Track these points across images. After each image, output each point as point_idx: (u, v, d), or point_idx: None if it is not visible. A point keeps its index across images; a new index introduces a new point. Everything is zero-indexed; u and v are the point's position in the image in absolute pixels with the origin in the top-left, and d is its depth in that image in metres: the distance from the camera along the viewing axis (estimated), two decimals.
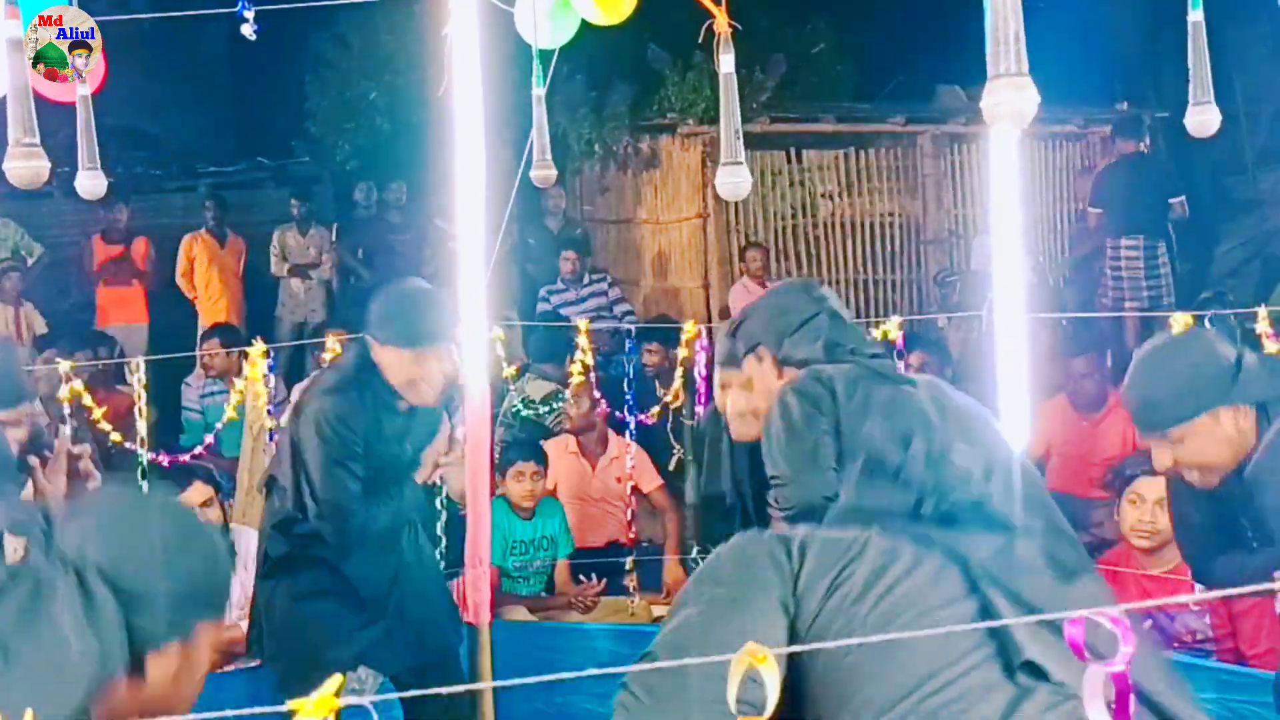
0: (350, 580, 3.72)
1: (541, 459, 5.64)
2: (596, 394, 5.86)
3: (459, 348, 3.68)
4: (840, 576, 1.56)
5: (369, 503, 3.68)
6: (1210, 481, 2.84)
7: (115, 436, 4.89)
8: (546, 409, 6.95)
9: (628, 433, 5.62)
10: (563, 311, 9.05)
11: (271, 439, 5.41)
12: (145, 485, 4.79)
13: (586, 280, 9.48)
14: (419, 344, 3.62)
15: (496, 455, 5.59)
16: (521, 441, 5.95)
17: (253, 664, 4.54)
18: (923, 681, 1.48)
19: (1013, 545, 1.73)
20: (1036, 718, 1.47)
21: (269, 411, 5.33)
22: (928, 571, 1.58)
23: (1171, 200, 9.35)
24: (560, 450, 6.03)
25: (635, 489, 5.77)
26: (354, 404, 3.65)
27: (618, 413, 5.79)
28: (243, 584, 4.67)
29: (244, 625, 4.56)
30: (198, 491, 4.70)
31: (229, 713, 1.22)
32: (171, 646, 1.58)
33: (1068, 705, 1.44)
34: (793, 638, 1.53)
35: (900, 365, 5.41)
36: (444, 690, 1.47)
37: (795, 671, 1.53)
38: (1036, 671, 1.49)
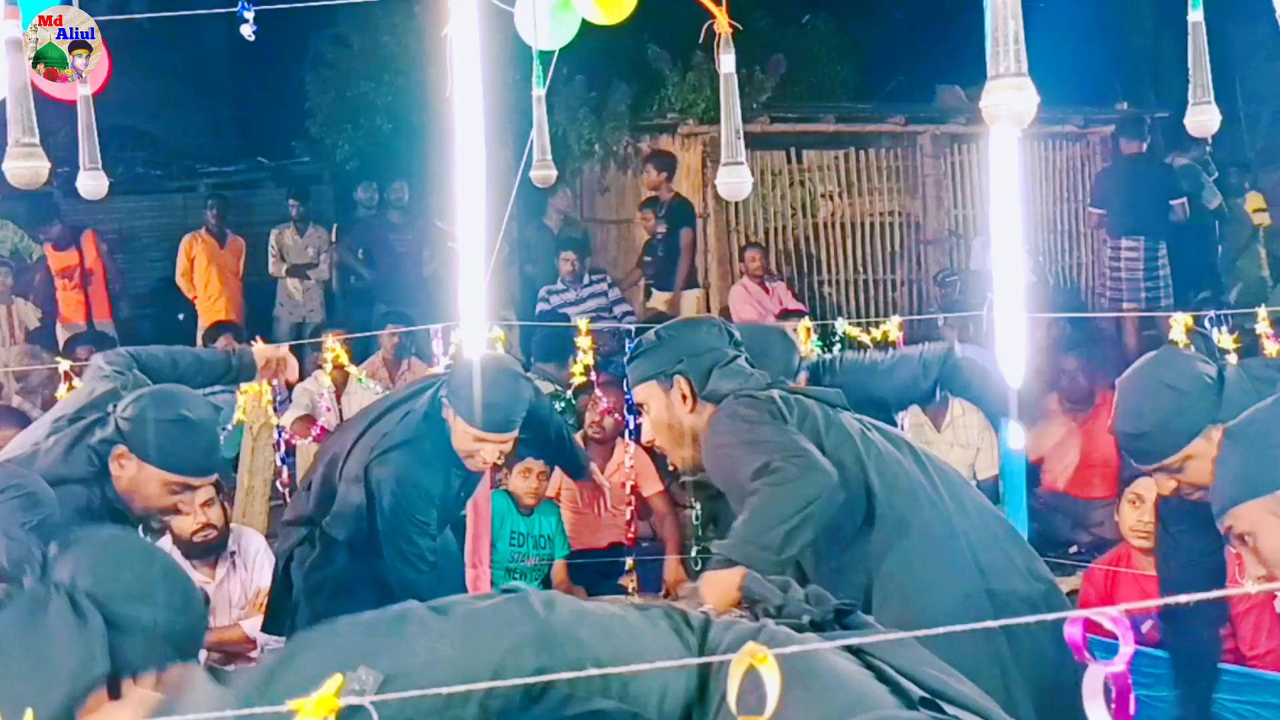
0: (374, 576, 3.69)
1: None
2: (604, 401, 5.87)
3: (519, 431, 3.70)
4: None
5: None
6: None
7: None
8: None
9: (628, 434, 5.62)
10: (562, 311, 9.05)
11: (279, 439, 5.41)
12: None
13: (586, 280, 9.47)
14: (489, 430, 3.57)
15: None
16: (530, 440, 5.93)
17: (253, 662, 4.54)
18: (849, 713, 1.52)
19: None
20: None
21: (274, 409, 5.33)
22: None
23: (1172, 202, 9.34)
24: None
25: (635, 492, 5.77)
26: (427, 461, 3.60)
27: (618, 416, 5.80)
28: (243, 584, 4.68)
29: (247, 624, 4.56)
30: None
31: (229, 713, 1.22)
32: (147, 677, 1.74)
33: None
34: None
35: None
36: (445, 690, 1.47)
37: None
38: (934, 707, 1.56)
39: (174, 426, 3.04)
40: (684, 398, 2.90)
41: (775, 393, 2.86)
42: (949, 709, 1.54)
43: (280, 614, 3.95)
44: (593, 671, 1.43)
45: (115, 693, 1.72)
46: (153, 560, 1.84)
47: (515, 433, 3.66)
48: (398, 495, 3.56)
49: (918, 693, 1.55)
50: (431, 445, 3.61)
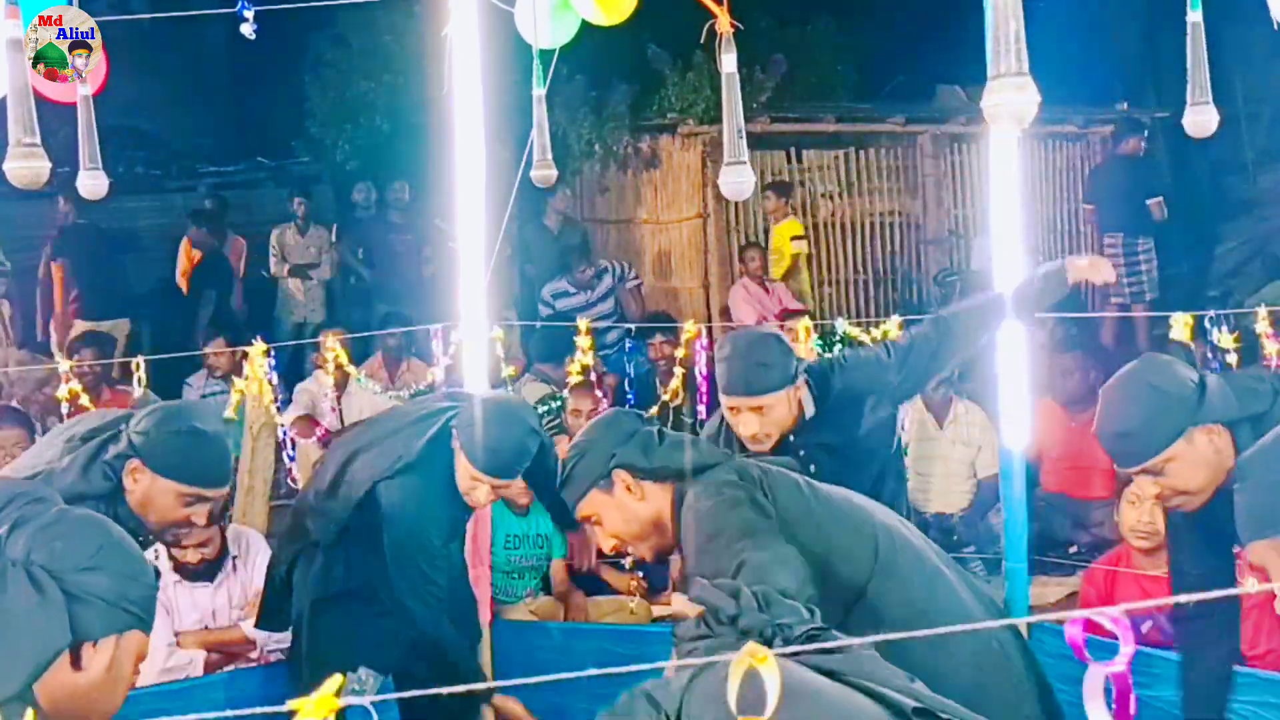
0: (382, 581, 3.68)
1: None
2: (600, 396, 5.86)
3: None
4: None
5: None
6: (1194, 504, 2.81)
7: None
8: (543, 412, 6.95)
9: None
10: (567, 312, 9.01)
11: (285, 438, 5.41)
12: None
13: (594, 283, 9.46)
14: (488, 474, 3.55)
15: None
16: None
17: (252, 663, 4.55)
18: None
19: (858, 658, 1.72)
20: None
21: (277, 408, 5.32)
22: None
23: (1149, 201, 9.37)
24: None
25: None
26: (437, 489, 3.57)
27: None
28: (243, 584, 4.68)
29: (247, 625, 4.56)
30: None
31: (229, 713, 1.22)
32: (106, 642, 1.82)
33: None
34: None
35: None
36: (444, 691, 1.47)
37: None
38: (929, 715, 1.58)
39: (186, 439, 3.04)
40: (628, 489, 2.83)
41: (749, 464, 2.81)
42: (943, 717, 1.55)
43: (275, 613, 3.96)
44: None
45: (77, 661, 1.79)
46: (102, 531, 1.91)
47: (514, 481, 3.64)
48: (408, 522, 3.54)
49: (910, 703, 1.55)
50: (443, 472, 3.58)
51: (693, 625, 1.87)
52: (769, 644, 1.68)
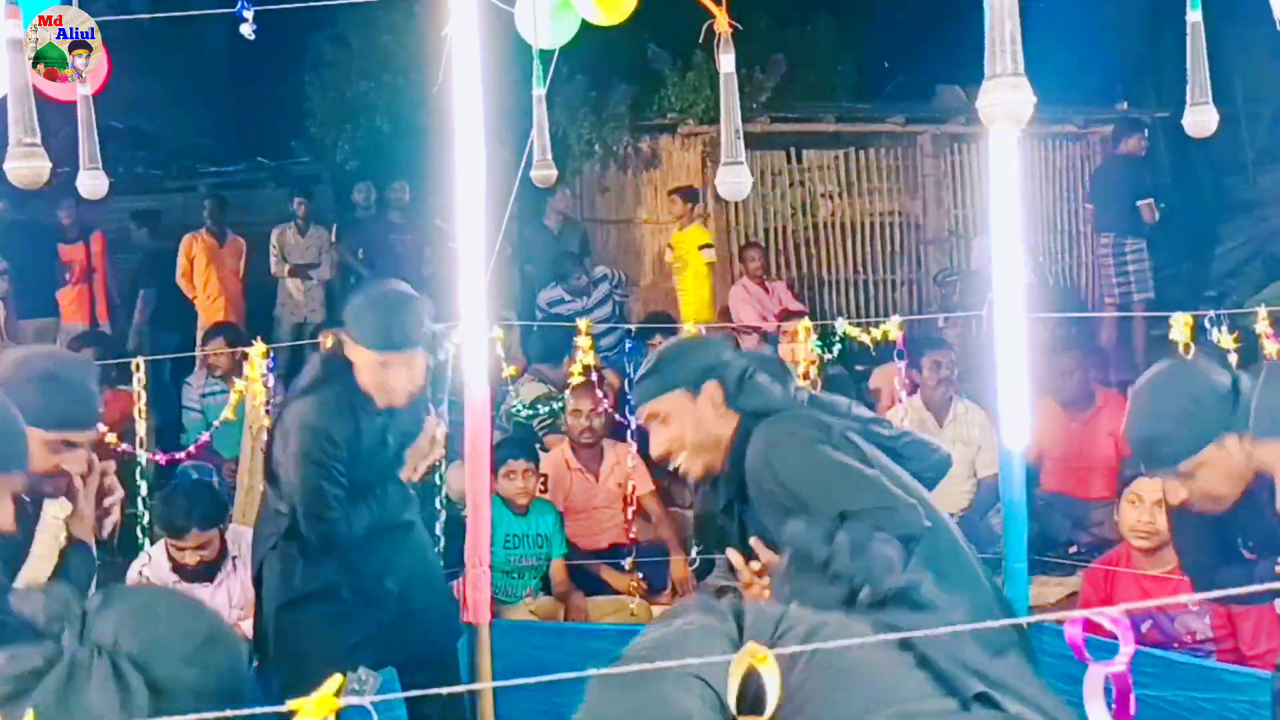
0: (344, 579, 3.69)
1: (533, 456, 5.65)
2: (601, 396, 5.86)
3: (429, 354, 3.68)
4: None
5: (352, 505, 3.62)
6: (1220, 508, 2.76)
7: (110, 438, 4.85)
8: (535, 412, 6.94)
9: (629, 433, 5.62)
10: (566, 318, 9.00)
11: (266, 440, 5.41)
12: (144, 486, 4.79)
13: (593, 288, 9.46)
14: (386, 348, 3.56)
15: None
16: (512, 440, 5.94)
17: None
18: (873, 710, 1.42)
19: (947, 620, 1.63)
20: None
21: (267, 411, 5.32)
22: (859, 632, 1.52)
23: (1139, 202, 9.37)
24: (559, 466, 6.00)
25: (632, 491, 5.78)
26: (329, 404, 3.59)
27: (619, 418, 5.80)
28: (242, 584, 4.68)
29: (247, 625, 4.57)
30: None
31: (229, 713, 1.22)
32: None
33: None
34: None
35: (903, 366, 5.42)
36: (444, 690, 1.47)
37: None
38: (989, 702, 1.47)
39: (41, 383, 2.93)
40: (715, 404, 2.89)
41: (829, 421, 2.87)
42: (1009, 704, 1.44)
43: (261, 640, 3.82)
44: (635, 667, 1.38)
45: None
46: (198, 619, 1.77)
47: (419, 353, 3.63)
48: (297, 441, 3.55)
49: (973, 688, 1.44)
50: (331, 389, 3.59)
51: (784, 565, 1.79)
52: (856, 594, 1.60)
